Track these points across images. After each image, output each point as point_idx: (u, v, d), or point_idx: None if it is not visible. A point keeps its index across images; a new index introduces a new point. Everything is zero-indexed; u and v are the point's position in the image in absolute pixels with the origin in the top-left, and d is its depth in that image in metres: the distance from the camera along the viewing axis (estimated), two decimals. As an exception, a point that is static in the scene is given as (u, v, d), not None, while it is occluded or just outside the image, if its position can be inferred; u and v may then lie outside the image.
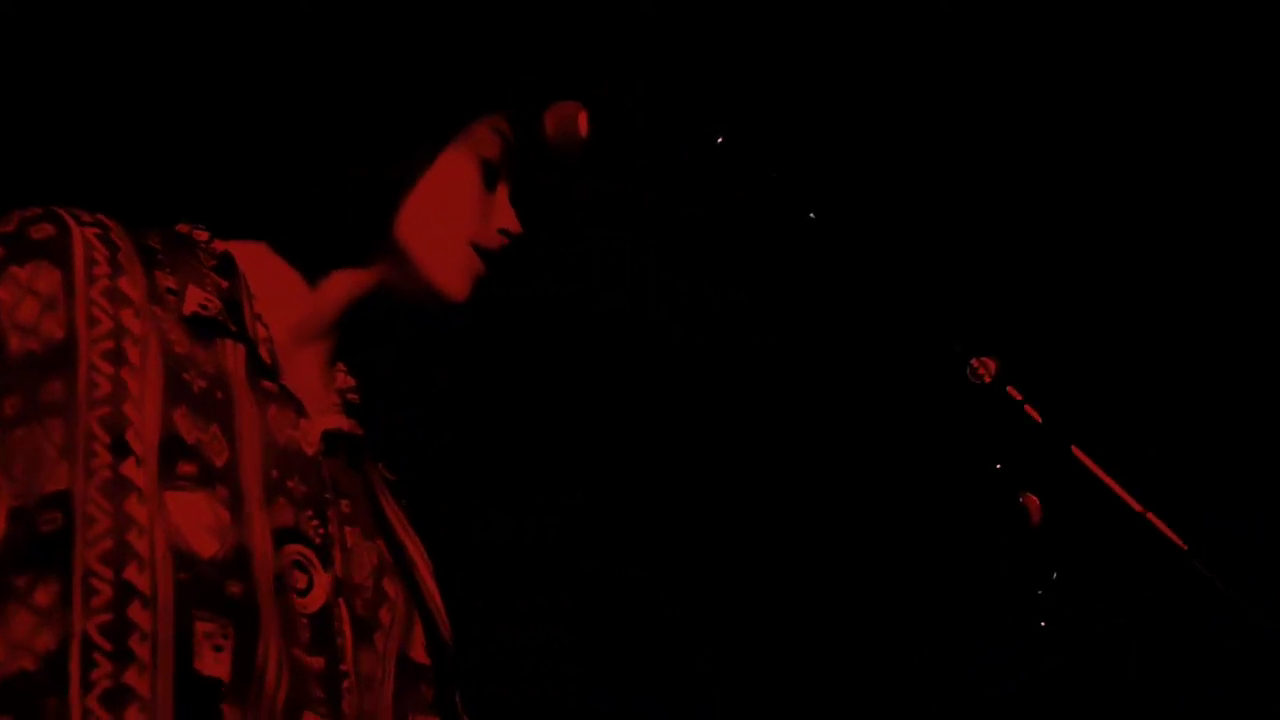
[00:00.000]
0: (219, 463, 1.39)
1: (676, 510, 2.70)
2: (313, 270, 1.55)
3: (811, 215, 1.43)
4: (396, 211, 1.55)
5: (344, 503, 1.52)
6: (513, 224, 1.63)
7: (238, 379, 1.45)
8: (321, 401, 1.56)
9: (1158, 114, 2.62)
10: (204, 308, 1.45)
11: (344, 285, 1.57)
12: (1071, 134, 2.63)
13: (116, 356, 1.37)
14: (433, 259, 1.57)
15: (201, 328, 1.45)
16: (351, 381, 1.62)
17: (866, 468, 2.69)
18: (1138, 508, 1.35)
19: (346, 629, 1.47)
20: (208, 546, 1.34)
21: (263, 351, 1.49)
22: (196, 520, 1.35)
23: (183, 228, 1.53)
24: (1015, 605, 2.40)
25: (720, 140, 1.47)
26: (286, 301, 1.55)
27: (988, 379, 1.39)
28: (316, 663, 1.42)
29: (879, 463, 2.68)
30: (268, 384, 1.48)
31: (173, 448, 1.36)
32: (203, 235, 1.53)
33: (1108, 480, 1.37)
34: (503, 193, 1.63)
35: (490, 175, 1.60)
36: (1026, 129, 2.62)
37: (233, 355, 1.46)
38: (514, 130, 1.60)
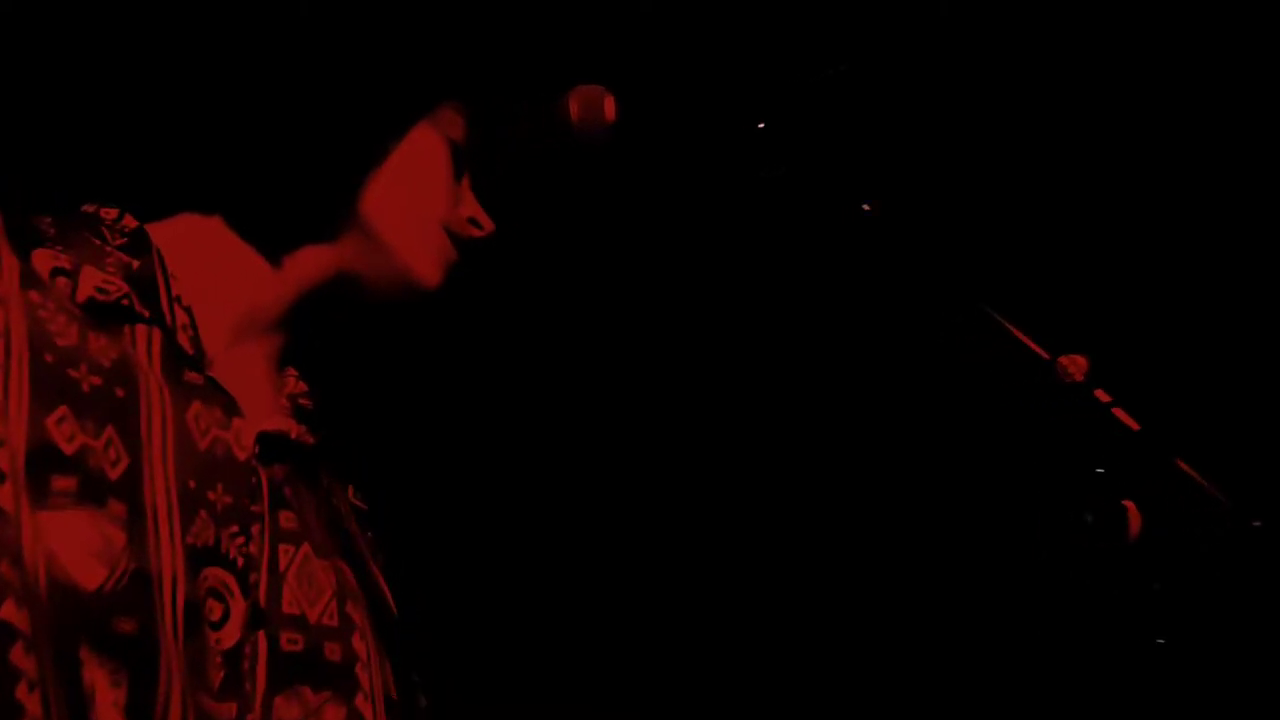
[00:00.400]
0: (113, 474, 1.18)
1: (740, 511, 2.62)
2: (273, 247, 1.38)
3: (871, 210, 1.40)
4: (366, 185, 1.40)
5: (284, 515, 1.32)
6: (482, 217, 1.50)
7: (149, 371, 1.25)
8: (266, 403, 1.38)
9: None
10: (102, 291, 1.25)
11: (306, 266, 1.40)
12: (1169, 125, 2.52)
13: None
14: (405, 238, 1.42)
15: (100, 314, 1.24)
16: (304, 387, 1.45)
17: (949, 470, 2.60)
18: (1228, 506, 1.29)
19: (260, 670, 1.24)
20: (93, 576, 1.13)
21: (181, 338, 1.29)
22: (78, 544, 1.14)
23: (88, 207, 1.36)
24: (1113, 619, 2.28)
25: (761, 126, 1.44)
26: (239, 283, 1.37)
27: (1079, 377, 1.31)
28: (227, 710, 1.21)
29: (959, 465, 2.58)
30: (191, 376, 1.28)
31: (46, 459, 1.15)
32: (110, 213, 1.34)
33: (1209, 488, 1.31)
34: (466, 182, 1.50)
35: (458, 159, 1.47)
36: (1126, 118, 2.53)
37: (145, 344, 1.27)
38: (470, 120, 1.49)
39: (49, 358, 1.19)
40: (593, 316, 2.53)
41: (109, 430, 1.19)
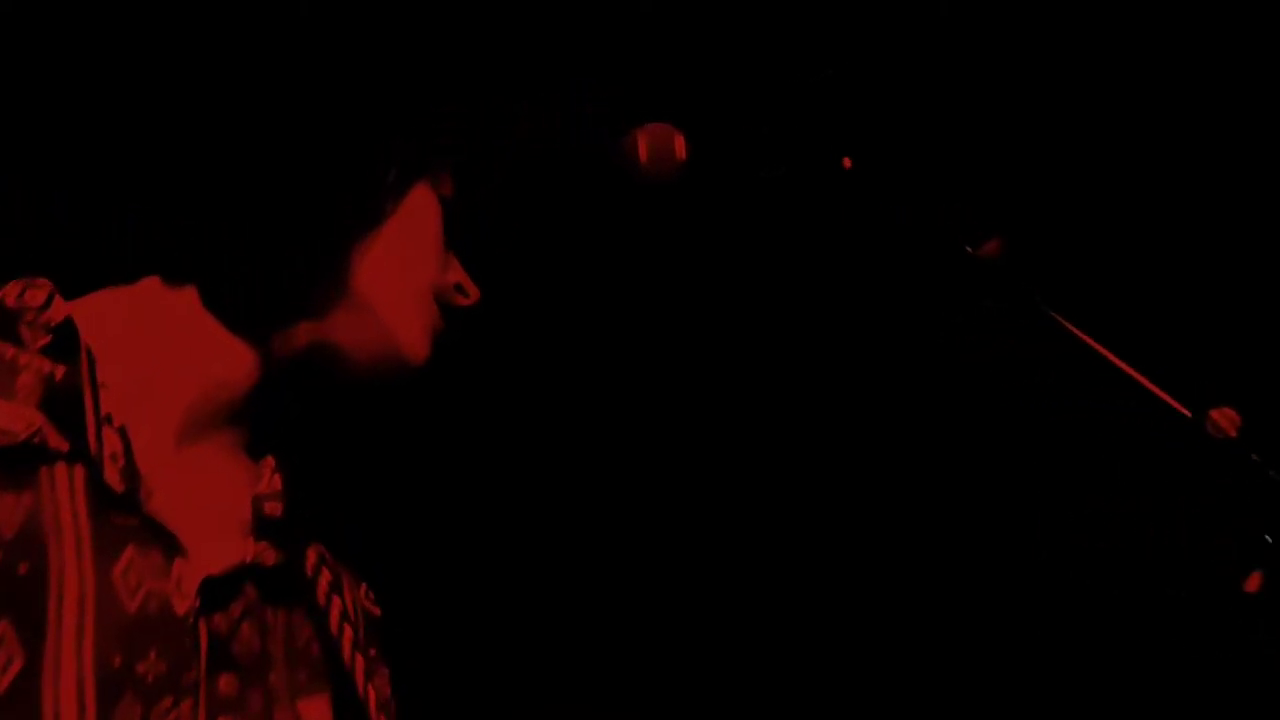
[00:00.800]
0: (4, 678, 1.02)
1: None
2: (250, 321, 1.23)
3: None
4: (359, 253, 1.27)
5: (224, 680, 1.16)
6: (468, 284, 1.39)
7: (64, 524, 1.08)
8: (224, 517, 1.21)
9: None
10: (5, 433, 1.07)
11: (283, 340, 1.26)
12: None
13: None
14: (397, 310, 1.30)
15: (6, 460, 1.07)
16: (277, 484, 1.27)
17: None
18: None
19: None
20: None
21: (109, 473, 1.11)
22: None
23: (9, 290, 1.17)
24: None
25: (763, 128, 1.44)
26: (201, 364, 1.22)
27: (1231, 433, 1.23)
28: None
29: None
30: (121, 519, 1.11)
31: None
32: (37, 297, 1.16)
33: None
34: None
35: (448, 222, 1.37)
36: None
37: (66, 486, 1.09)
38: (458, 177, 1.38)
39: None
40: (592, 310, 2.51)
41: (2, 625, 1.03)
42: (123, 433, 1.13)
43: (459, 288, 1.38)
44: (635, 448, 2.55)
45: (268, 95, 1.33)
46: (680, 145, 1.43)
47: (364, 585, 1.38)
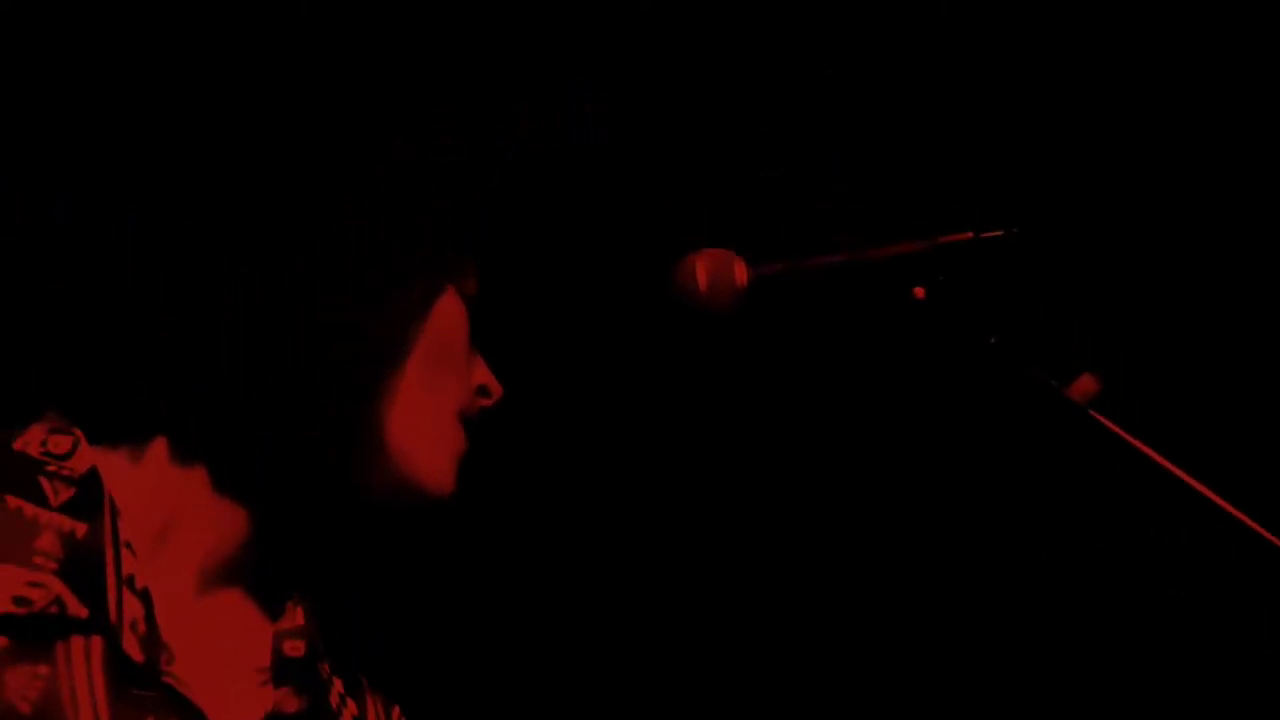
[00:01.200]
0: None
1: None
2: (262, 491, 1.14)
3: None
4: (387, 389, 1.17)
5: None
6: (491, 382, 1.29)
7: (82, 701, 1.02)
8: (243, 667, 1.16)
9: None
10: (22, 602, 1.01)
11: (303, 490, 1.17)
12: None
13: None
14: (424, 452, 1.20)
15: (23, 632, 1.01)
16: (298, 620, 1.20)
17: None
18: None
19: None
20: None
21: (129, 643, 1.05)
22: None
23: (32, 435, 1.11)
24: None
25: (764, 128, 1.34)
26: (210, 519, 1.15)
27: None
28: None
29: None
30: (140, 692, 1.05)
31: None
32: (61, 444, 1.10)
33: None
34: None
35: (472, 322, 1.27)
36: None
37: (83, 660, 1.04)
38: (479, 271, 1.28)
39: None
40: (592, 311, 2.52)
41: None
42: (145, 596, 1.08)
43: (482, 390, 1.29)
44: (633, 448, 2.54)
45: (267, 95, 1.32)
46: (741, 271, 1.33)
47: (396, 708, 1.33)
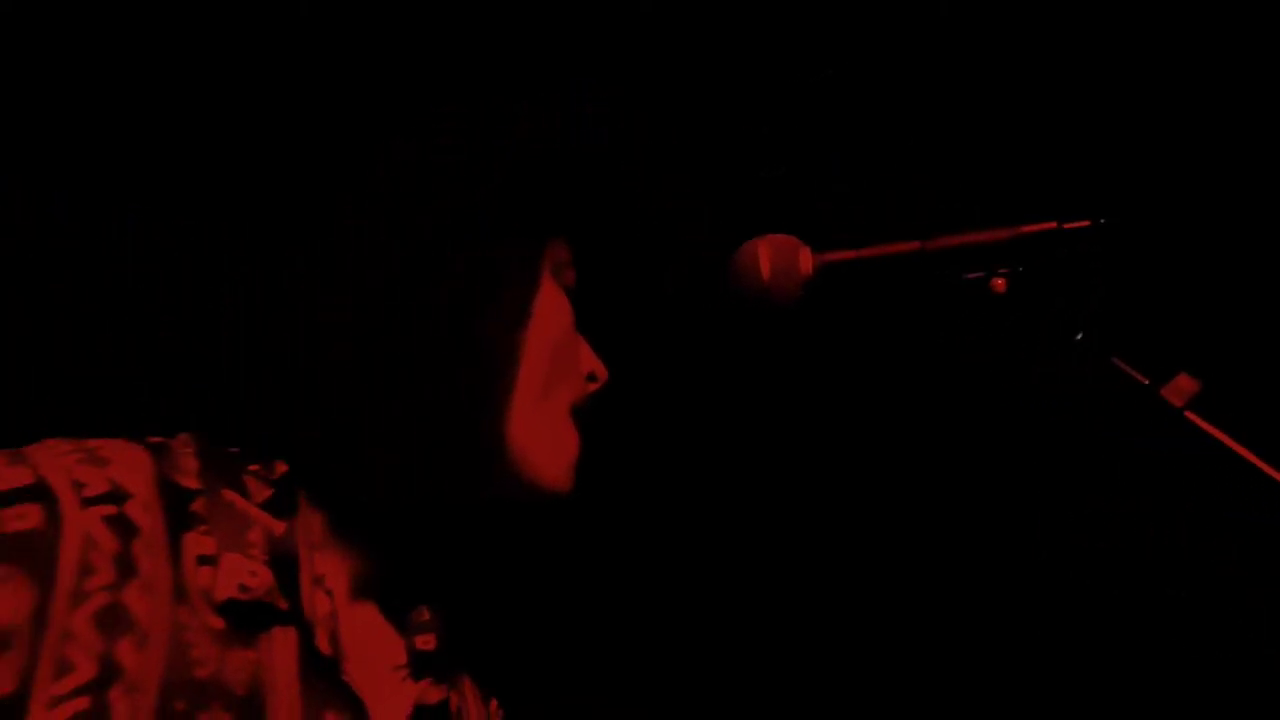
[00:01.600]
0: None
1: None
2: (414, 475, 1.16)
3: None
4: (508, 400, 1.18)
5: None
6: (599, 367, 1.30)
7: (280, 687, 1.08)
8: (384, 670, 1.21)
9: None
10: (244, 589, 1.08)
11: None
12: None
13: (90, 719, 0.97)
14: (542, 451, 1.22)
15: (240, 617, 1.07)
16: (424, 614, 1.24)
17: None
18: None
19: None
20: None
21: (320, 637, 1.12)
22: None
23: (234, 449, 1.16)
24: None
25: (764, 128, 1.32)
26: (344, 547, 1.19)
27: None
28: None
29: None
30: (323, 684, 1.11)
31: None
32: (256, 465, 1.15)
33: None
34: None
35: (574, 307, 1.27)
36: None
37: (281, 650, 1.10)
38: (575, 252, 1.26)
39: (179, 705, 1.02)
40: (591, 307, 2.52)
41: None
42: (331, 597, 1.14)
43: (590, 376, 1.29)
44: (634, 447, 2.55)
45: (268, 95, 1.33)
46: (806, 259, 1.24)
47: (494, 700, 1.37)
